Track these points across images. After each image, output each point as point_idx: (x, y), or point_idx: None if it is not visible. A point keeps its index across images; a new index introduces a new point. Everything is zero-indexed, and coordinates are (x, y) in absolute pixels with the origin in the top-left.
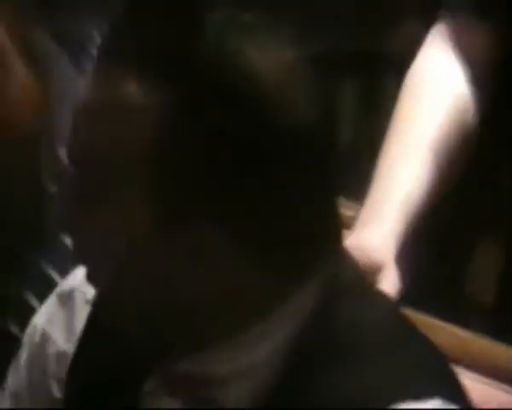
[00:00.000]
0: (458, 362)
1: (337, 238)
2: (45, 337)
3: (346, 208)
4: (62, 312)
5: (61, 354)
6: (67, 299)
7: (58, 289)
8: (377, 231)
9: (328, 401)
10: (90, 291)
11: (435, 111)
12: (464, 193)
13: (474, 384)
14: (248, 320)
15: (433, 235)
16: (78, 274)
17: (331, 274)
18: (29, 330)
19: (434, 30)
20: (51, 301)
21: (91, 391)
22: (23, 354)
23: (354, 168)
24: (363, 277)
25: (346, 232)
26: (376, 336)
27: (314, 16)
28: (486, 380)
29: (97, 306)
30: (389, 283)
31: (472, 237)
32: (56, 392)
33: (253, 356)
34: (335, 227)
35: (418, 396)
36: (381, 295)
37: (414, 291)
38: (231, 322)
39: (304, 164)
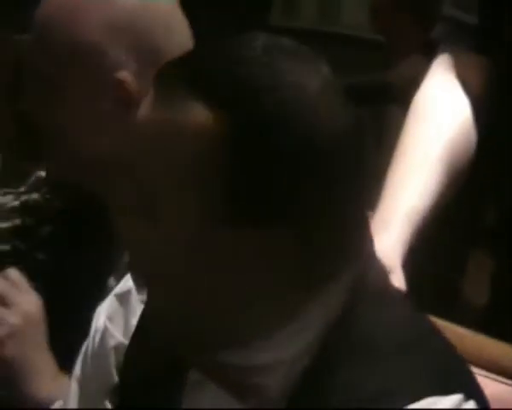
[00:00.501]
0: None
1: (365, 243)
2: (107, 332)
3: None
4: (120, 310)
5: (119, 346)
6: (124, 299)
7: (117, 290)
8: (386, 238)
9: (350, 397)
10: (144, 292)
11: (439, 132)
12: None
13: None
14: (285, 320)
15: (430, 238)
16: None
17: (358, 276)
18: (93, 325)
19: (437, 61)
20: (111, 300)
21: (143, 378)
22: (89, 346)
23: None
24: (388, 278)
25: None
26: (399, 335)
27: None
28: (481, 372)
29: (147, 309)
30: (397, 284)
31: (466, 240)
32: (115, 379)
33: (286, 351)
34: (365, 232)
35: (439, 392)
36: (403, 297)
37: (412, 291)
38: (270, 321)
39: (343, 178)
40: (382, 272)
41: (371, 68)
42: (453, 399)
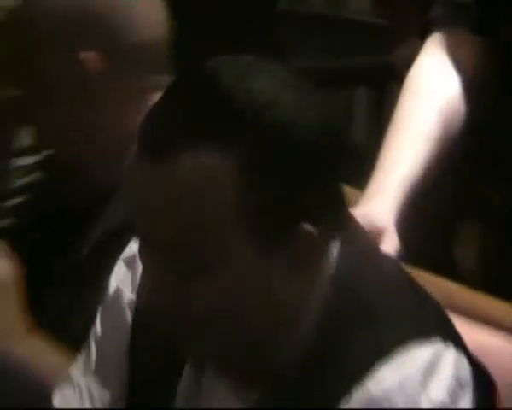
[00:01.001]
0: (445, 306)
1: (346, 212)
2: (119, 292)
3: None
4: (129, 272)
5: (132, 304)
6: (132, 262)
7: (124, 256)
8: (380, 202)
9: (353, 352)
10: None
11: (430, 107)
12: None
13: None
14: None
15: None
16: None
17: (347, 239)
18: (107, 289)
19: (430, 40)
20: (119, 265)
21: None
22: (104, 307)
23: (369, 161)
24: (372, 241)
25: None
26: (387, 292)
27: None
28: (468, 322)
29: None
30: (390, 243)
31: (458, 210)
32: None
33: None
34: (344, 204)
35: (423, 339)
36: (387, 256)
37: (409, 251)
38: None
39: (322, 161)
40: (367, 237)
41: (373, 50)
42: (435, 345)
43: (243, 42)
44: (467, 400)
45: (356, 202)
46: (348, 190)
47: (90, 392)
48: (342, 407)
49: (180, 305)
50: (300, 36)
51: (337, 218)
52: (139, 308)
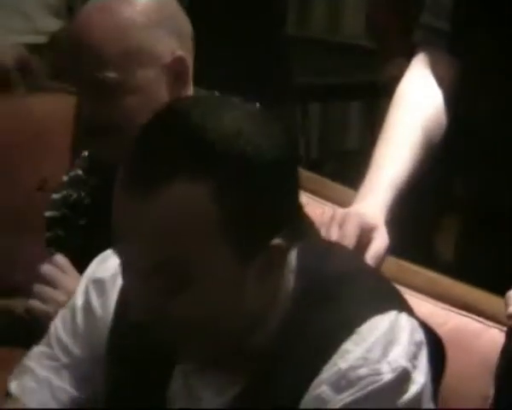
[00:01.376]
0: (428, 294)
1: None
2: (89, 308)
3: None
4: (101, 296)
5: (101, 319)
6: (102, 286)
7: (92, 277)
8: (372, 202)
9: (320, 331)
10: None
11: (415, 118)
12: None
13: (438, 310)
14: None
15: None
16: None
17: (305, 239)
18: (73, 302)
19: (415, 59)
20: (89, 285)
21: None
22: (67, 319)
23: (362, 165)
24: (319, 233)
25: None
26: (346, 278)
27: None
28: (445, 307)
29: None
30: (381, 239)
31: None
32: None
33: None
34: (301, 209)
35: (379, 312)
36: (343, 248)
37: (396, 246)
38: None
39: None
40: (316, 229)
41: (365, 69)
42: (390, 315)
43: (252, 62)
44: (423, 357)
45: (350, 201)
46: (344, 190)
47: (50, 385)
48: (311, 381)
49: (166, 316)
50: (304, 56)
51: (299, 225)
52: (118, 322)
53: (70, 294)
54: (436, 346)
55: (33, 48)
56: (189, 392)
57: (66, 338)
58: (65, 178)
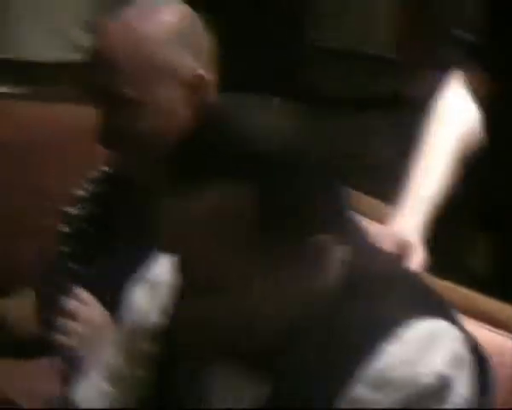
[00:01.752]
0: (464, 313)
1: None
2: (143, 311)
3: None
4: (154, 297)
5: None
6: (154, 286)
7: (146, 277)
8: (410, 220)
9: (359, 326)
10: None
11: (454, 134)
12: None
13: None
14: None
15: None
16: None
17: (352, 240)
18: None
19: (452, 77)
20: (144, 287)
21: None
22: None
23: (384, 176)
24: (371, 240)
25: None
26: (389, 282)
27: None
28: (485, 325)
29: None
30: (418, 257)
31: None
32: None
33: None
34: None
35: (423, 317)
36: (389, 254)
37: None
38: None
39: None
40: (367, 237)
41: (390, 81)
42: (433, 321)
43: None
44: (467, 370)
45: (379, 213)
46: (379, 204)
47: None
48: (346, 381)
49: (206, 318)
50: (330, 67)
51: (342, 222)
52: (173, 323)
53: (91, 326)
54: (484, 365)
55: (68, 64)
56: (224, 392)
57: None
58: (80, 192)
